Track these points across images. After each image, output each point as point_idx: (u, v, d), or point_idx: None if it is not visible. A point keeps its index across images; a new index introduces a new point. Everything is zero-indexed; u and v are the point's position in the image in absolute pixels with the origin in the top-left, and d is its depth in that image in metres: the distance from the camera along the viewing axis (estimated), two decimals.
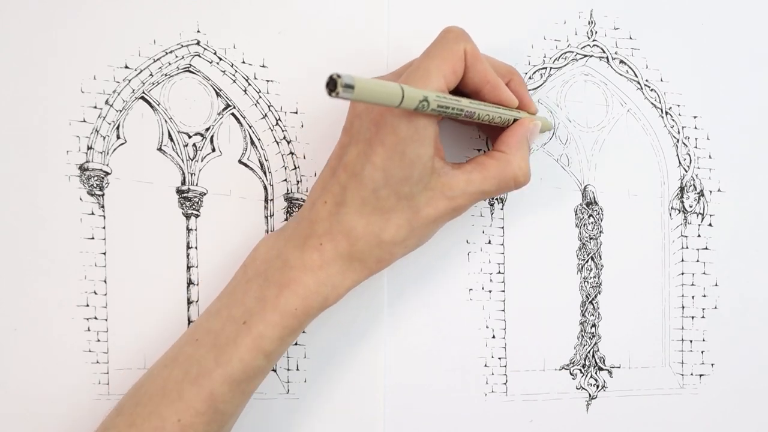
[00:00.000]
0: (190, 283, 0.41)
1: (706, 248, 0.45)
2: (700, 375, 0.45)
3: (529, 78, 0.43)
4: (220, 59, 0.41)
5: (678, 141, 0.44)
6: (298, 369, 0.42)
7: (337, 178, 0.34)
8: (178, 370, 0.34)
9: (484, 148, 0.43)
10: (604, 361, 0.44)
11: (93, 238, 0.40)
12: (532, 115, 0.39)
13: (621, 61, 0.44)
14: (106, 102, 0.40)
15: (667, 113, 0.44)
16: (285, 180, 0.42)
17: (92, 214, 0.40)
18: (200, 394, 0.33)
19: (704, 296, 0.45)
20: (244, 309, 0.34)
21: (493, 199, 0.43)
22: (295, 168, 0.42)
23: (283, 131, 0.42)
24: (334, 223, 0.34)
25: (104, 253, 0.40)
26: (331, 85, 0.26)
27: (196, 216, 0.41)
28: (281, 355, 0.36)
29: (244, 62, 0.41)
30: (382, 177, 0.33)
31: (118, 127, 0.41)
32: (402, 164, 0.32)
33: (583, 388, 0.44)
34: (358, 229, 0.34)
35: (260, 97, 0.42)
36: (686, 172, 0.45)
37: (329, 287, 0.34)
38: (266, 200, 0.42)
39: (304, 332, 0.42)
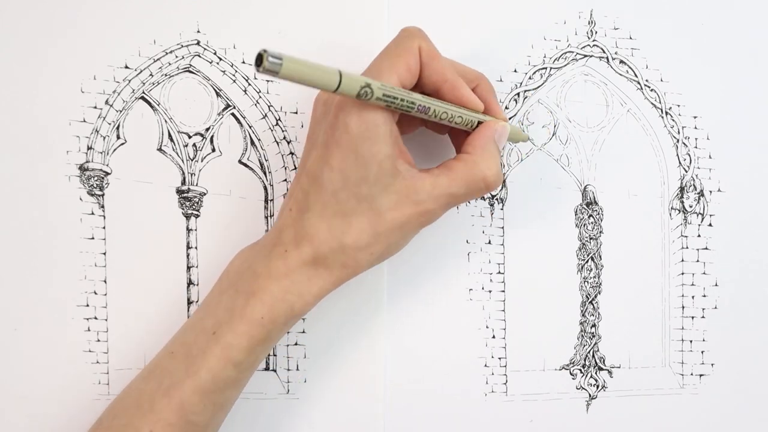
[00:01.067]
0: (190, 283, 0.41)
1: (706, 248, 0.45)
2: (700, 375, 0.45)
3: (529, 78, 0.43)
4: (220, 59, 0.41)
5: (678, 141, 0.44)
6: (298, 369, 0.42)
7: (300, 184, 0.34)
8: (152, 383, 0.35)
9: None
10: (604, 361, 0.44)
11: (93, 238, 0.40)
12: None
13: (621, 61, 0.44)
14: (106, 102, 0.40)
15: (667, 113, 0.44)
16: (285, 180, 0.42)
17: (92, 214, 0.40)
18: (170, 405, 0.33)
19: (704, 296, 0.45)
20: (215, 320, 0.34)
21: (492, 199, 0.43)
22: (295, 168, 0.42)
23: (283, 131, 0.42)
24: (299, 228, 0.34)
25: (104, 253, 0.40)
26: (258, 59, 0.25)
27: (196, 216, 0.41)
28: (253, 366, 0.35)
29: (244, 62, 0.41)
30: (340, 178, 0.32)
31: (118, 127, 0.41)
32: (357, 163, 0.32)
33: (583, 388, 0.44)
34: (321, 234, 0.34)
35: (260, 97, 0.42)
36: (686, 172, 0.45)
37: (295, 295, 0.34)
38: (266, 200, 0.42)
39: (303, 332, 0.42)
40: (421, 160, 0.40)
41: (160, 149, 0.41)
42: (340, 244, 0.34)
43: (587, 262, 0.44)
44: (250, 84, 0.41)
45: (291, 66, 0.26)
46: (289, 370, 0.42)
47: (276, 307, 0.34)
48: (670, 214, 0.44)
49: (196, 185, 0.41)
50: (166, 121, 0.41)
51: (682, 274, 0.45)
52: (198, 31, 0.41)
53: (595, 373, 0.44)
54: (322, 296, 0.35)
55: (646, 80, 0.44)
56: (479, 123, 0.36)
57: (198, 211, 0.41)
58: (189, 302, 0.41)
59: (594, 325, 0.44)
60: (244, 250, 0.37)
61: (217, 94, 0.41)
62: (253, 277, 0.34)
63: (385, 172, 0.33)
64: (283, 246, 0.34)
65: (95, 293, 0.40)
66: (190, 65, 0.41)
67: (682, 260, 0.45)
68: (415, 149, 0.39)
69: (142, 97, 0.41)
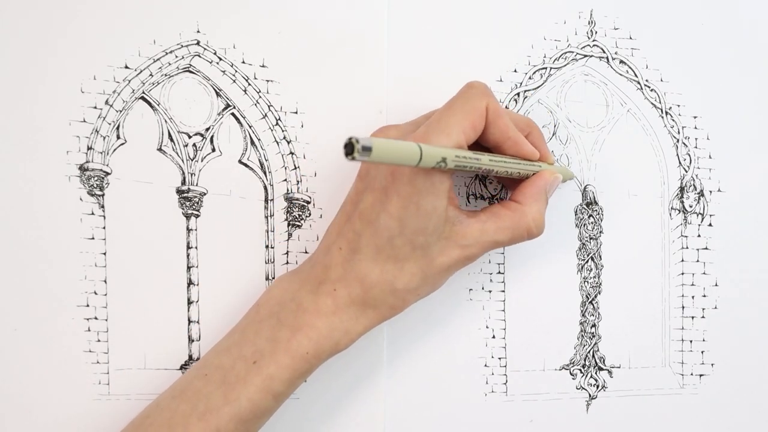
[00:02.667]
0: (190, 283, 0.41)
1: (706, 248, 0.45)
2: (700, 375, 0.45)
3: (529, 78, 0.43)
4: (220, 59, 0.41)
5: (678, 141, 0.44)
6: None
7: (352, 224, 0.34)
8: (185, 404, 0.34)
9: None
10: (604, 361, 0.44)
11: (93, 238, 0.40)
12: (550, 165, 0.39)
13: (621, 61, 0.44)
14: (106, 102, 0.40)
15: (667, 113, 0.44)
16: (285, 180, 0.42)
17: (92, 214, 0.40)
18: (206, 430, 0.33)
19: (704, 296, 0.45)
20: (255, 349, 0.35)
21: (493, 199, 0.43)
22: (295, 168, 0.42)
23: (283, 131, 0.42)
24: (348, 269, 0.34)
25: (104, 253, 0.40)
26: (349, 148, 0.26)
27: (196, 216, 0.41)
28: (287, 397, 0.36)
29: (244, 62, 0.41)
30: (398, 226, 0.33)
31: (118, 128, 0.41)
32: (417, 215, 0.32)
33: (583, 388, 0.44)
34: (372, 277, 0.34)
35: (260, 97, 0.42)
36: (686, 172, 0.45)
37: (341, 332, 0.35)
38: (266, 200, 0.42)
39: None
40: None
41: (160, 149, 0.41)
42: (392, 287, 0.34)
43: (587, 262, 0.44)
44: (250, 84, 0.41)
45: (379, 153, 0.26)
46: None
47: (322, 343, 0.34)
48: (670, 214, 0.44)
49: (196, 185, 0.41)
50: (166, 121, 0.41)
51: (682, 274, 0.45)
52: (198, 31, 0.41)
53: (595, 373, 0.44)
54: (365, 332, 0.36)
55: (646, 80, 0.44)
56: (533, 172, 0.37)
57: (198, 211, 0.41)
58: (189, 302, 0.41)
59: (594, 325, 0.44)
60: (284, 278, 0.37)
61: (217, 94, 0.41)
62: (299, 310, 0.35)
63: (440, 222, 0.33)
64: (331, 284, 0.35)
65: (95, 293, 0.40)
66: (190, 65, 0.41)
67: (682, 260, 0.45)
68: None
69: (142, 97, 0.41)
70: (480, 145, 0.36)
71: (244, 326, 0.36)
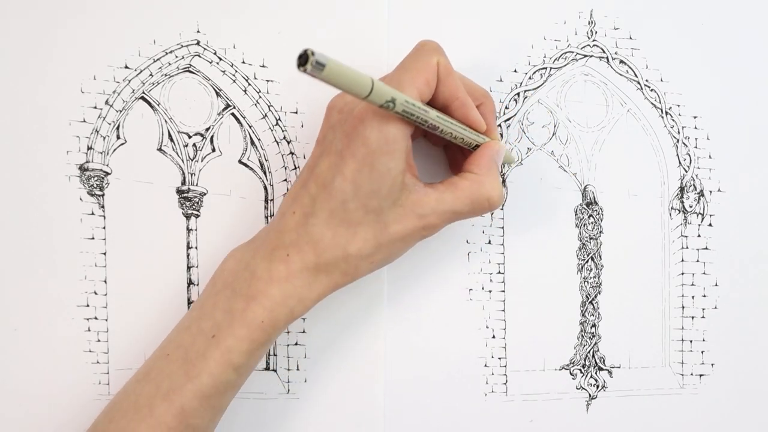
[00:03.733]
0: (190, 283, 0.41)
1: (706, 248, 0.45)
2: (700, 375, 0.45)
3: (529, 78, 0.43)
4: (220, 59, 0.41)
5: (678, 141, 0.44)
6: (298, 369, 0.42)
7: (307, 189, 0.34)
8: (149, 386, 0.34)
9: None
10: (604, 361, 0.44)
11: (93, 238, 0.40)
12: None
13: (621, 61, 0.44)
14: (106, 102, 0.40)
15: (667, 113, 0.44)
16: (285, 180, 0.42)
17: (92, 214, 0.40)
18: (171, 410, 0.33)
19: (704, 296, 0.45)
20: (213, 322, 0.34)
21: None
22: (295, 168, 0.42)
23: (283, 131, 0.42)
24: (302, 233, 0.34)
25: (104, 253, 0.40)
26: (303, 59, 0.26)
27: (196, 216, 0.41)
28: (252, 369, 0.36)
29: (244, 62, 0.41)
30: (352, 189, 0.33)
31: (118, 128, 0.41)
32: (371, 177, 0.32)
33: (583, 388, 0.44)
34: (325, 241, 0.34)
35: (260, 97, 0.42)
36: (686, 172, 0.45)
37: (295, 299, 0.34)
38: (266, 200, 0.42)
39: (303, 332, 0.42)
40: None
41: (160, 149, 0.41)
42: (344, 252, 0.34)
43: (587, 262, 0.44)
44: (250, 84, 0.41)
45: (333, 69, 0.26)
46: (289, 370, 0.42)
47: (277, 311, 0.34)
48: (670, 214, 0.44)
49: (196, 185, 0.41)
50: (166, 121, 0.41)
51: (682, 274, 0.45)
52: (198, 31, 0.41)
53: (595, 373, 0.44)
54: (319, 300, 0.35)
55: (646, 80, 0.44)
56: (476, 145, 0.37)
57: (198, 211, 0.41)
58: (189, 302, 0.41)
59: (594, 325, 0.44)
60: (238, 248, 0.37)
61: (217, 94, 0.41)
62: (252, 279, 0.34)
63: (396, 186, 0.33)
64: (284, 249, 0.34)
65: (95, 293, 0.40)
66: (190, 65, 0.41)
67: (682, 260, 0.45)
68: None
69: (142, 97, 0.41)
70: (431, 106, 0.36)
71: (203, 301, 0.36)
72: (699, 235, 0.45)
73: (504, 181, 0.43)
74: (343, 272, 0.35)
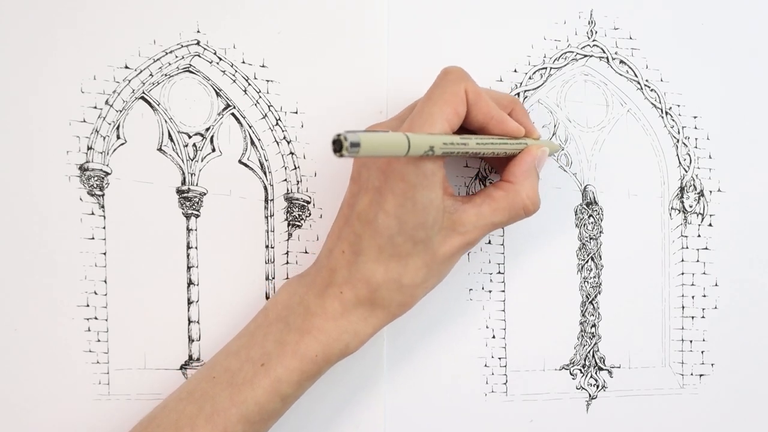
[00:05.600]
0: (190, 283, 0.41)
1: (706, 248, 0.45)
2: (700, 375, 0.45)
3: (529, 78, 0.43)
4: (220, 59, 0.41)
5: (678, 141, 0.44)
6: None
7: (351, 226, 0.34)
8: (192, 406, 0.34)
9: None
10: (604, 361, 0.44)
11: (93, 238, 0.40)
12: (536, 141, 0.39)
13: (621, 61, 0.44)
14: (106, 102, 0.40)
15: (667, 113, 0.44)
16: (285, 180, 0.42)
17: (92, 214, 0.40)
18: (214, 431, 0.33)
19: (704, 296, 0.45)
20: (263, 351, 0.35)
21: None
22: (295, 168, 0.42)
23: (283, 131, 0.42)
24: (354, 271, 0.34)
25: (104, 253, 0.40)
26: (337, 145, 0.26)
27: (196, 216, 0.41)
28: (296, 399, 0.36)
29: (244, 62, 0.41)
30: (397, 224, 0.33)
31: (118, 127, 0.41)
32: (415, 211, 0.32)
33: (583, 388, 0.44)
34: (378, 277, 0.34)
35: (260, 97, 0.42)
36: (686, 172, 0.45)
37: (351, 334, 0.35)
38: (266, 200, 0.42)
39: None
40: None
41: (160, 149, 0.41)
42: (399, 285, 0.34)
43: (587, 262, 0.44)
44: (250, 84, 0.41)
45: (367, 147, 0.26)
46: None
47: (331, 345, 0.34)
48: (670, 214, 0.44)
49: (196, 185, 0.41)
50: (166, 121, 0.41)
51: (682, 274, 0.45)
52: (198, 31, 0.41)
53: (595, 373, 0.44)
54: (375, 333, 0.36)
55: (646, 80, 0.44)
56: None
57: (198, 211, 0.41)
58: (189, 302, 0.41)
59: (594, 325, 0.44)
60: (291, 282, 0.37)
61: (217, 94, 0.41)
62: (307, 314, 0.35)
63: (439, 214, 0.33)
64: (337, 287, 0.35)
65: (95, 293, 0.40)
66: (190, 65, 0.41)
67: (682, 260, 0.45)
68: None
69: (142, 97, 0.41)
70: (465, 129, 0.36)
71: (253, 330, 0.36)
72: (699, 235, 0.45)
73: None
74: (400, 303, 0.35)
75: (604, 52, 0.44)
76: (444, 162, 0.34)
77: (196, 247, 0.41)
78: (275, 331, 0.35)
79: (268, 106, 0.42)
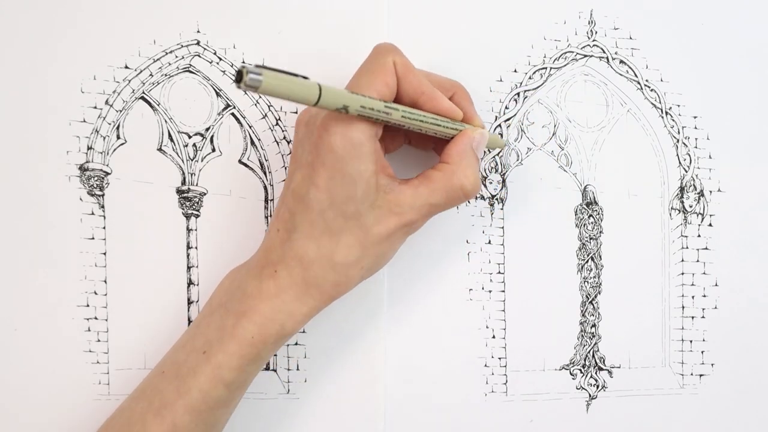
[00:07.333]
0: (190, 283, 0.41)
1: (706, 248, 0.45)
2: (700, 375, 0.45)
3: (529, 78, 0.43)
4: (220, 59, 0.41)
5: (678, 141, 0.44)
6: (298, 369, 0.42)
7: (286, 204, 0.35)
8: (143, 403, 0.35)
9: None
10: (604, 361, 0.44)
11: (93, 238, 0.40)
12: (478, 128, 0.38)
13: (621, 61, 0.44)
14: (106, 102, 0.40)
15: (667, 113, 0.44)
16: (285, 180, 0.42)
17: (92, 214, 0.40)
18: (163, 426, 0.33)
19: (704, 296, 0.45)
20: (205, 339, 0.35)
21: (492, 199, 0.43)
22: None
23: (283, 131, 0.42)
24: (287, 249, 0.34)
25: (104, 253, 0.40)
26: (238, 75, 0.25)
27: (196, 216, 0.41)
28: (244, 386, 0.36)
29: (244, 62, 0.41)
30: (327, 198, 0.33)
31: (118, 127, 0.41)
32: (344, 183, 0.32)
33: (583, 388, 0.44)
34: (310, 254, 0.34)
35: (260, 97, 0.42)
36: (686, 172, 0.45)
37: (285, 314, 0.34)
38: (266, 200, 0.42)
39: (303, 332, 0.42)
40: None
41: (160, 149, 0.41)
42: (331, 262, 0.34)
43: (587, 262, 0.44)
44: None
45: (271, 81, 0.26)
46: (289, 370, 0.42)
47: (266, 326, 0.34)
48: (670, 214, 0.44)
49: (196, 185, 0.41)
50: (166, 121, 0.41)
51: (682, 274, 0.45)
52: (198, 31, 0.41)
53: (595, 373, 0.44)
54: (313, 315, 0.35)
55: (646, 80, 0.44)
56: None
57: (198, 211, 0.41)
58: (189, 302, 0.41)
59: (594, 325, 0.44)
60: (234, 270, 0.37)
61: (217, 94, 0.41)
62: (243, 296, 0.35)
63: (370, 188, 0.33)
64: (272, 266, 0.35)
65: (95, 293, 0.40)
66: (190, 65, 0.41)
67: (682, 260, 0.45)
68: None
69: (142, 97, 0.41)
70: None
71: (199, 321, 0.36)
72: (699, 235, 0.45)
73: (504, 181, 0.43)
74: (334, 283, 0.35)
75: (604, 52, 0.44)
76: (376, 136, 0.33)
77: (196, 247, 0.41)
78: (216, 318, 0.35)
79: (268, 106, 0.42)
